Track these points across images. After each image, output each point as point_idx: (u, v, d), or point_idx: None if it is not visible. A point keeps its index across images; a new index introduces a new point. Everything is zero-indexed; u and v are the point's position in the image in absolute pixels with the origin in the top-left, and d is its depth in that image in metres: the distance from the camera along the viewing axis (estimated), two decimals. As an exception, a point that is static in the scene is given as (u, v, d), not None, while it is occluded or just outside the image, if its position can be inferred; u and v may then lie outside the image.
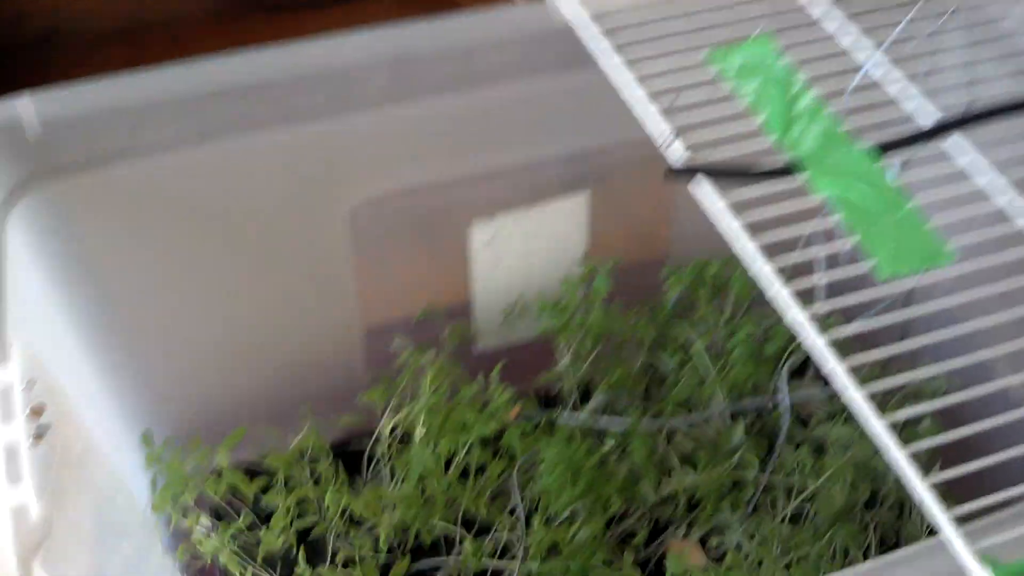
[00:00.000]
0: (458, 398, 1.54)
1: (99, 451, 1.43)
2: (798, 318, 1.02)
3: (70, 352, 1.50)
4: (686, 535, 1.55)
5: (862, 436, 1.56)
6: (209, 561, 1.45)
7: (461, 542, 1.52)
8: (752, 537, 1.51)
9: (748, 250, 1.07)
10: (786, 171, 1.14)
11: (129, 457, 1.52)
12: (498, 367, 1.51)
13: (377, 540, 1.48)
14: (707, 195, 1.13)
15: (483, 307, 1.71)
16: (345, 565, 1.36)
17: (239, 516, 1.47)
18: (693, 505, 1.56)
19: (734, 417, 1.63)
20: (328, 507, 1.46)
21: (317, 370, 1.71)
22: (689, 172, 1.15)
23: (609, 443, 1.52)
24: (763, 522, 1.52)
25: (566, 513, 1.48)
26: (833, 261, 1.11)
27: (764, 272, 1.05)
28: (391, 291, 1.66)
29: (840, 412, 1.66)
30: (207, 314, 1.59)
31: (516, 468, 1.53)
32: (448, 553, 1.56)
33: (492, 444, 1.55)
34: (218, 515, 1.51)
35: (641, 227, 1.76)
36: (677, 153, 1.17)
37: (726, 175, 1.15)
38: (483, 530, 1.56)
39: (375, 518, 1.47)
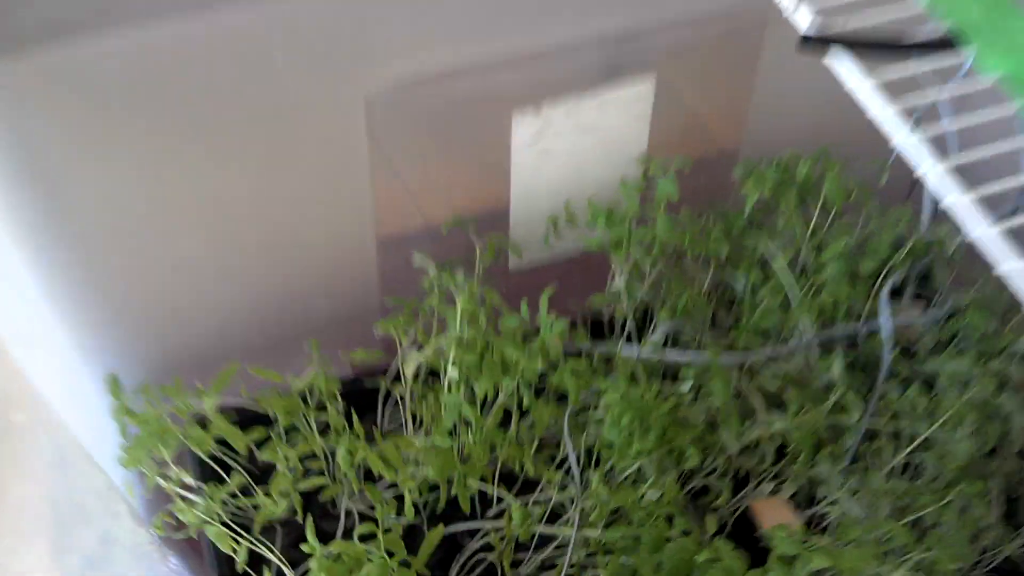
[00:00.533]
0: (496, 330, 1.26)
1: (49, 409, 1.15)
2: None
3: (14, 274, 1.20)
4: (774, 492, 1.29)
5: (984, 369, 1.29)
6: (194, 533, 1.18)
7: (501, 504, 1.26)
8: (854, 494, 1.25)
9: (911, 146, 0.80)
10: (945, 44, 0.88)
11: (91, 413, 1.24)
12: (548, 292, 1.23)
13: (400, 503, 1.21)
14: (849, 72, 0.87)
15: (522, 216, 1.43)
16: (362, 538, 1.09)
17: (230, 476, 1.20)
18: (780, 456, 1.29)
19: (824, 348, 1.36)
20: (339, 463, 1.19)
21: (323, 294, 1.42)
22: (824, 43, 0.88)
23: (685, 382, 1.24)
24: (867, 476, 1.25)
25: (632, 469, 1.21)
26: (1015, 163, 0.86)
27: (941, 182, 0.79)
28: (413, 197, 1.37)
29: (949, 340, 1.39)
30: (189, 224, 1.29)
31: (567, 413, 1.26)
32: (486, 517, 1.30)
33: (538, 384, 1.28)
34: (204, 476, 1.24)
35: (711, 120, 1.46)
36: (805, 20, 0.89)
37: (872, 47, 0.88)
38: (528, 488, 1.29)
39: (397, 476, 1.19)
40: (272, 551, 1.18)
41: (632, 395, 1.18)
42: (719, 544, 1.12)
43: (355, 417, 1.21)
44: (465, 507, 1.18)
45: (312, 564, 1.10)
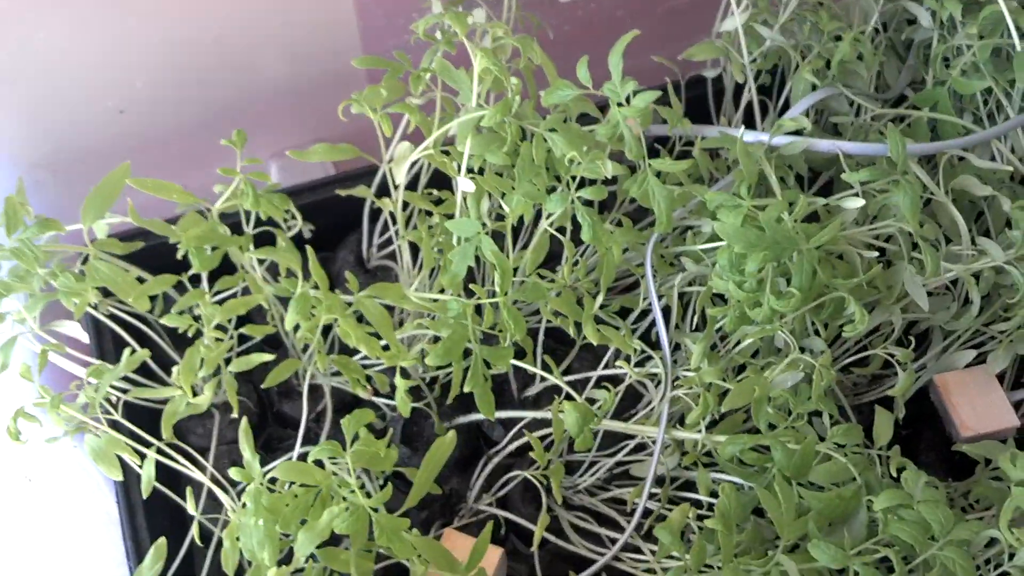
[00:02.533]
0: (539, 110, 0.78)
1: None
2: None
3: None
4: (975, 362, 0.83)
5: None
6: (68, 433, 0.75)
7: (547, 382, 0.82)
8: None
9: None
10: None
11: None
12: (625, 39, 0.73)
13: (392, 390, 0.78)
14: None
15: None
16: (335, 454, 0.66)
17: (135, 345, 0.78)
18: (986, 306, 0.82)
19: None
20: (295, 321, 0.74)
21: (275, 50, 0.95)
22: None
23: (849, 192, 0.76)
24: None
25: (756, 336, 0.75)
26: None
27: None
28: None
29: None
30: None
31: (650, 243, 0.79)
32: (524, 400, 0.86)
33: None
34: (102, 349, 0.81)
35: None
36: None
37: None
38: (588, 363, 0.85)
39: (384, 347, 0.75)
40: (199, 463, 0.76)
41: (764, 217, 0.71)
42: (907, 473, 0.67)
43: (310, 253, 0.75)
44: (487, 411, 0.73)
45: (245, 500, 0.68)
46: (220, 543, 0.80)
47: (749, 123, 0.90)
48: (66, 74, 0.89)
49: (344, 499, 0.67)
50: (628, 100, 0.74)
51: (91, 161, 0.95)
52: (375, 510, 0.67)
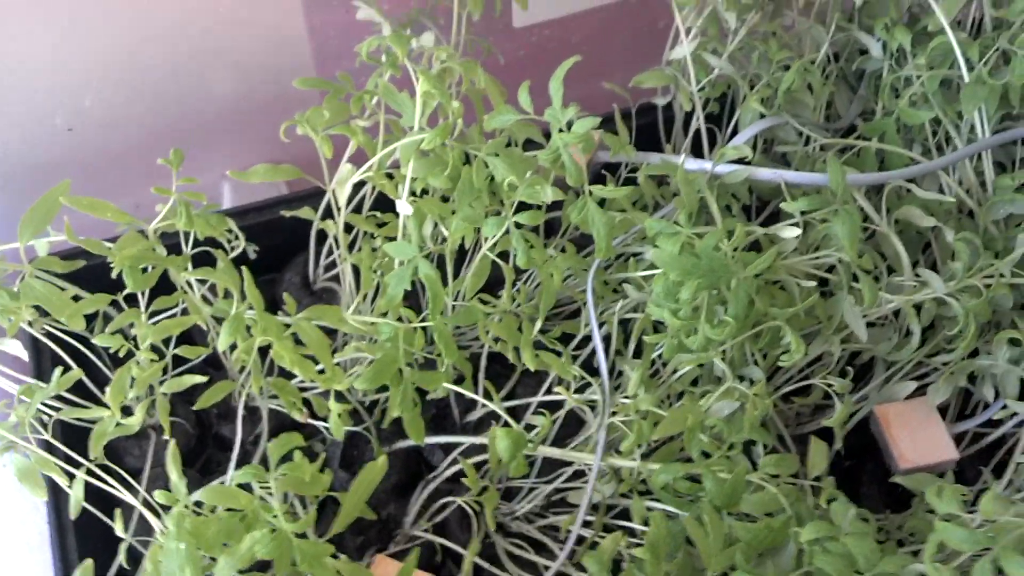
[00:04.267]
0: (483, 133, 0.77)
1: None
2: None
3: None
4: (916, 394, 0.82)
5: None
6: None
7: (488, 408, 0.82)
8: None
9: None
10: None
11: None
12: (566, 64, 0.73)
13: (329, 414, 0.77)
14: None
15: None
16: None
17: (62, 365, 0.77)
18: (927, 337, 0.82)
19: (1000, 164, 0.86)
20: (228, 343, 0.74)
21: (228, 70, 0.95)
22: None
23: (788, 222, 0.75)
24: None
25: (692, 364, 0.75)
26: None
27: None
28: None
29: None
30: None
31: (592, 270, 0.79)
32: (455, 431, 0.86)
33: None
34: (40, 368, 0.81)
35: None
36: None
37: None
38: (531, 388, 0.85)
39: (324, 371, 0.75)
40: (132, 484, 0.75)
41: (700, 245, 0.71)
42: (835, 505, 0.67)
43: (246, 273, 0.74)
44: (416, 436, 0.73)
45: (168, 524, 0.67)
46: (151, 566, 0.79)
47: (698, 151, 0.90)
48: (12, 92, 0.89)
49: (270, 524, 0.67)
50: (568, 123, 0.74)
51: (40, 178, 0.95)
52: (301, 536, 0.66)
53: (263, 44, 0.94)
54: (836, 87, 0.94)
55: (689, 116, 0.90)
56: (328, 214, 0.86)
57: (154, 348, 0.77)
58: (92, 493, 0.75)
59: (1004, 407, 0.80)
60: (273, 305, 0.76)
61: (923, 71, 0.85)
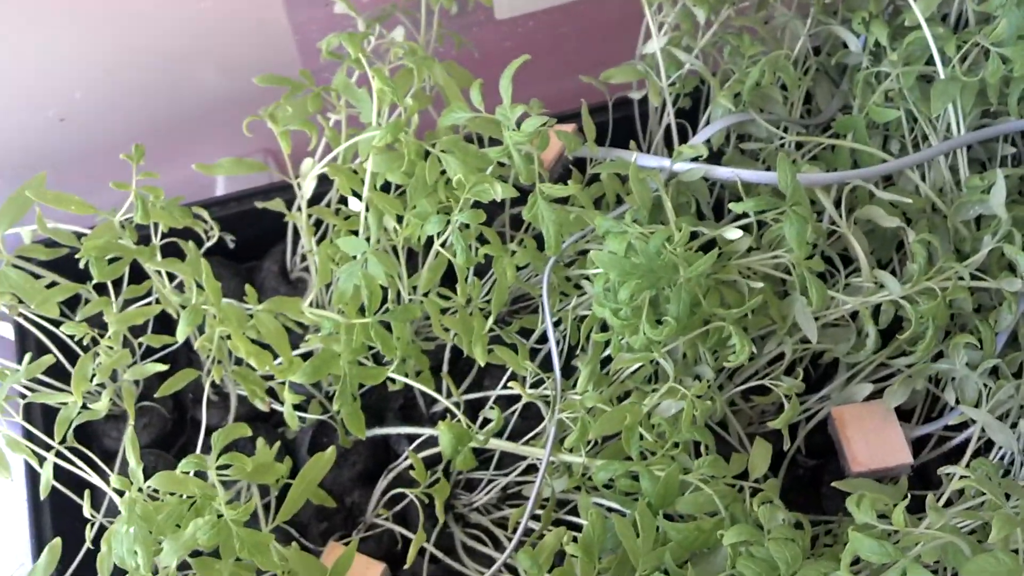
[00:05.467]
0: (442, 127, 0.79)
1: None
2: None
3: None
4: (874, 395, 0.82)
5: None
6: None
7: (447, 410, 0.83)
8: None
9: None
10: None
11: None
12: (516, 63, 0.74)
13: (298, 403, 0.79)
14: None
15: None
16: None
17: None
18: (888, 340, 0.81)
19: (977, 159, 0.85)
20: (186, 333, 0.76)
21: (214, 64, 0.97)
22: None
23: (731, 225, 0.75)
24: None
25: (637, 364, 0.75)
26: None
27: None
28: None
29: None
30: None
31: (547, 268, 0.79)
32: (422, 421, 0.87)
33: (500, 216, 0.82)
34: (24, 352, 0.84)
35: None
36: None
37: None
38: (485, 378, 0.86)
39: (286, 361, 0.77)
40: (104, 467, 0.78)
41: (641, 245, 0.71)
42: (763, 508, 0.67)
43: (205, 265, 0.76)
44: (357, 430, 0.74)
45: (121, 508, 0.70)
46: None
47: (670, 146, 0.90)
48: (5, 84, 0.92)
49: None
50: (518, 120, 0.74)
51: (36, 167, 0.98)
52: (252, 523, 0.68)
53: (248, 39, 0.96)
54: (816, 81, 0.92)
55: (662, 111, 0.90)
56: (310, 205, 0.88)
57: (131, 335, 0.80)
58: (71, 474, 0.78)
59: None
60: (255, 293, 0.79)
61: (898, 67, 0.83)
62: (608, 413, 0.71)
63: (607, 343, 0.77)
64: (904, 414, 0.83)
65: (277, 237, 0.96)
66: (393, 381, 0.79)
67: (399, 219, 0.80)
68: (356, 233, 0.81)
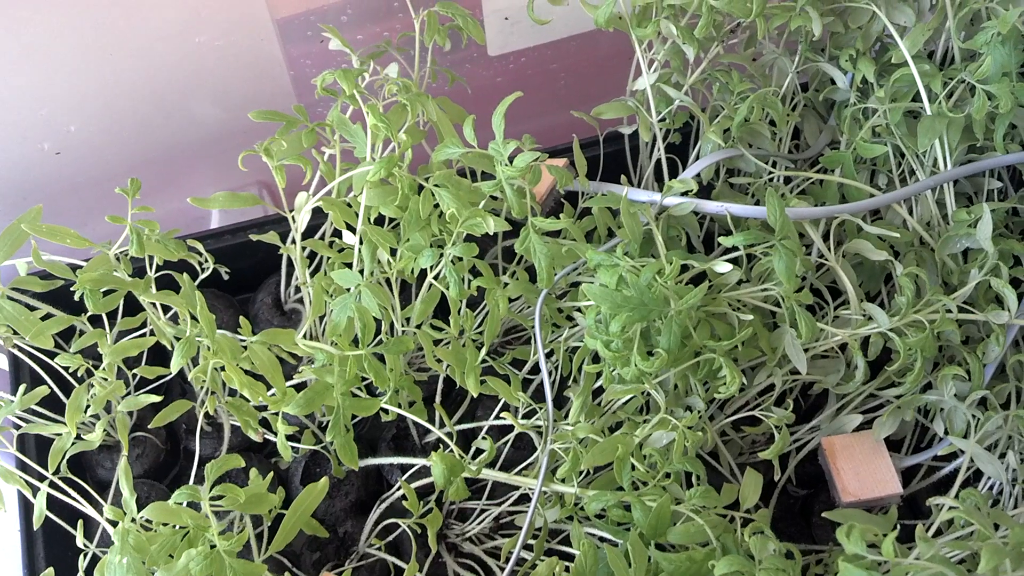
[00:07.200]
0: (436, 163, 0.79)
1: None
2: None
3: None
4: (863, 427, 0.82)
5: None
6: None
7: (438, 442, 0.83)
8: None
9: None
10: None
11: None
12: (507, 101, 0.75)
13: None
14: None
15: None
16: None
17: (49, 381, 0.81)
18: (877, 371, 0.82)
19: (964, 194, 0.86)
20: (180, 364, 0.77)
21: (208, 105, 0.98)
22: None
23: (720, 259, 0.76)
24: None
25: (628, 397, 0.76)
26: None
27: None
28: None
29: None
30: None
31: (540, 299, 0.80)
32: (415, 451, 0.88)
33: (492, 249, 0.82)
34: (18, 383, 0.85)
35: None
36: None
37: None
38: (477, 409, 0.87)
39: (280, 393, 0.77)
40: (99, 497, 0.79)
41: (632, 278, 0.72)
42: (754, 539, 0.67)
43: (199, 297, 0.77)
44: (349, 461, 0.75)
45: (114, 538, 0.70)
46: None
47: (661, 181, 0.91)
48: (1, 118, 0.93)
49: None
50: (510, 155, 0.75)
51: (32, 199, 0.99)
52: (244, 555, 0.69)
53: (243, 73, 0.97)
54: (804, 117, 0.94)
55: (653, 146, 0.91)
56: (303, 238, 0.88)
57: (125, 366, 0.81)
58: (65, 504, 0.78)
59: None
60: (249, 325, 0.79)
61: (885, 103, 0.85)
62: (600, 444, 0.72)
63: (599, 374, 0.78)
64: (893, 444, 0.84)
65: (271, 269, 0.97)
66: (386, 412, 0.80)
67: (392, 252, 0.81)
68: (350, 266, 0.82)
